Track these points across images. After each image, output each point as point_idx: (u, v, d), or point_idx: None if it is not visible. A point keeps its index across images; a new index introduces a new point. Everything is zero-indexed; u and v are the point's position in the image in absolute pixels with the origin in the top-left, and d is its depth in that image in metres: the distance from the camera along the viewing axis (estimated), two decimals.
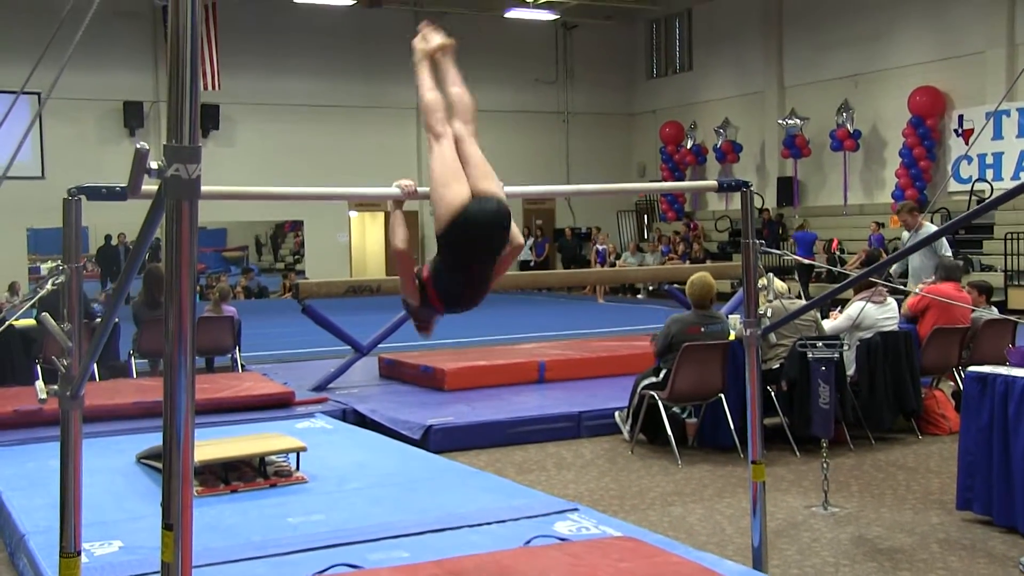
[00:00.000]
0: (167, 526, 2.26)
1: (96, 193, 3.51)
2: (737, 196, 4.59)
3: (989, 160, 19.51)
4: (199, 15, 2.22)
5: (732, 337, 7.68)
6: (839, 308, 8.72)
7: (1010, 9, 19.44)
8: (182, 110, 2.21)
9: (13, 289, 17.94)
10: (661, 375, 7.58)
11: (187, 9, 2.19)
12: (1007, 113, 18.92)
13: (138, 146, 2.28)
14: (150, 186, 2.40)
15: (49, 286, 3.56)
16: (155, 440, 6.37)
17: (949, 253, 10.47)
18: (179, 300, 2.26)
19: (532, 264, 26.78)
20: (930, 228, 11.02)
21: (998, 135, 19.10)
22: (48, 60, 3.10)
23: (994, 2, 19.66)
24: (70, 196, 3.54)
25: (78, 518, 3.65)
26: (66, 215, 3.56)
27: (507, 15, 25.54)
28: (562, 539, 4.74)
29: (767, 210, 22.92)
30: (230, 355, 10.86)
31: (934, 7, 20.83)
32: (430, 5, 25.77)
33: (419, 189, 3.71)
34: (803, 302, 8.04)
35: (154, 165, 2.27)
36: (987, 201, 4.08)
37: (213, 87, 22.10)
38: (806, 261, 16.78)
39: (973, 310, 8.61)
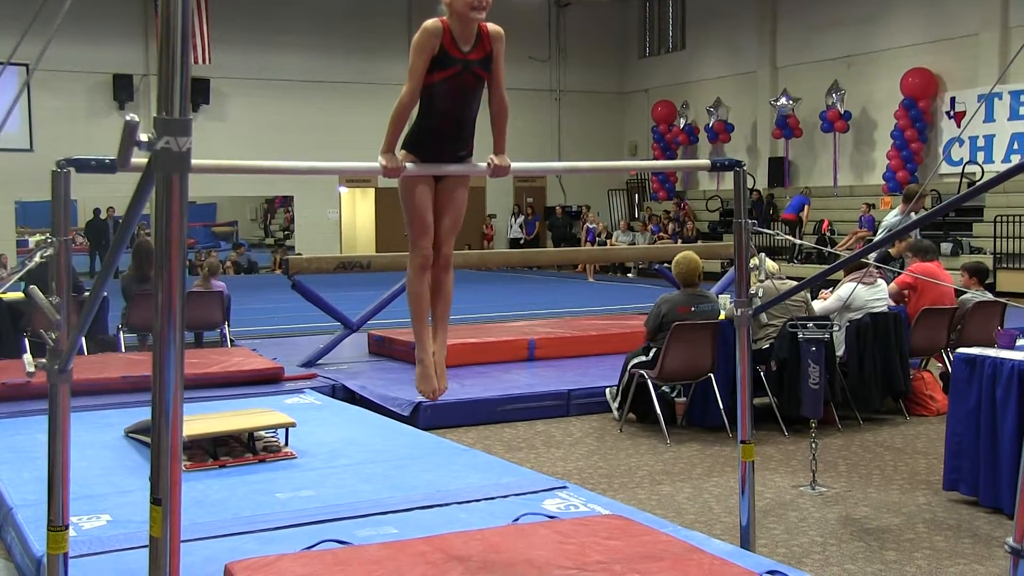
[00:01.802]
0: (155, 501, 2.26)
1: (85, 165, 3.49)
2: (728, 176, 4.59)
3: (980, 143, 19.51)
4: None
5: (722, 317, 7.69)
6: (830, 289, 8.74)
7: None
8: (172, 83, 2.20)
9: (0, 262, 17.85)
10: (651, 354, 7.59)
11: None
12: (999, 96, 18.91)
13: (128, 118, 2.26)
14: (140, 159, 2.38)
15: (37, 259, 3.53)
16: (144, 414, 6.36)
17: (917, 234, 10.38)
18: (169, 275, 2.25)
19: (522, 242, 26.77)
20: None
21: (990, 118, 19.10)
22: (37, 31, 3.07)
23: None
24: (59, 168, 3.51)
25: (66, 492, 3.64)
26: (55, 188, 3.53)
27: None
28: (551, 517, 4.75)
29: (758, 191, 22.93)
30: (219, 330, 10.85)
31: None
32: None
33: (407, 165, 3.74)
34: (794, 283, 8.05)
35: (144, 137, 2.26)
36: (979, 184, 4.08)
37: (204, 61, 21.93)
38: (797, 241, 16.79)
39: (958, 290, 8.64)
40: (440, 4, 3.71)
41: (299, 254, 23.93)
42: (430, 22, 3.67)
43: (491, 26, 3.76)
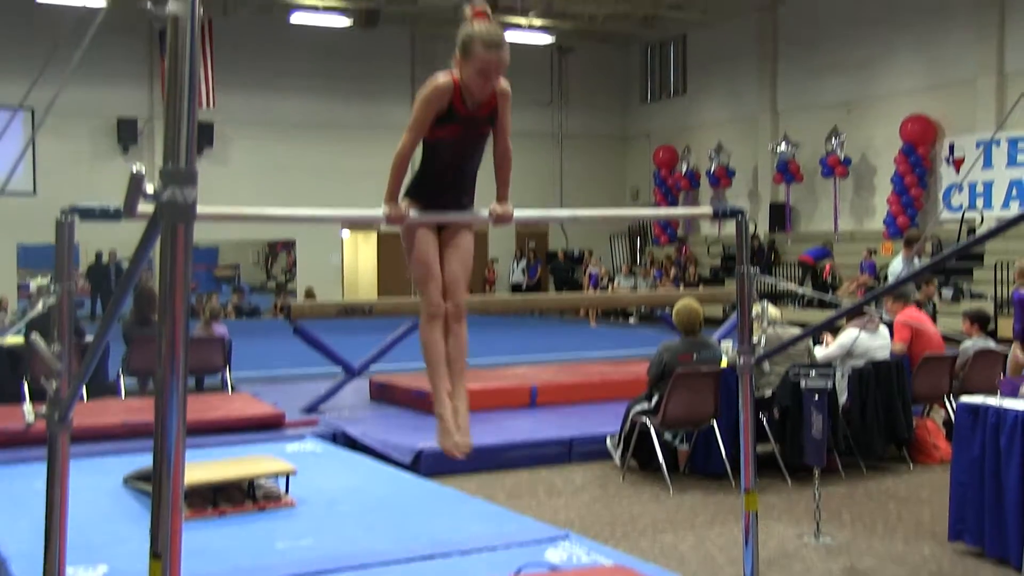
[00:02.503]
0: (155, 555, 2.23)
1: (90, 214, 3.49)
2: (730, 220, 4.59)
3: (980, 189, 19.59)
4: (197, 40, 2.21)
5: (724, 364, 7.66)
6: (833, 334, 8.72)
7: (1000, 39, 19.57)
8: (179, 133, 2.20)
9: (0, 305, 17.84)
10: (653, 401, 7.56)
11: (186, 34, 2.18)
12: (997, 143, 19.01)
13: (134, 170, 2.27)
14: (145, 207, 2.38)
15: (40, 307, 3.52)
16: (143, 461, 6.33)
17: None
18: (173, 323, 2.24)
19: (524, 287, 26.77)
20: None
21: (988, 164, 19.18)
22: (42, 76, 3.08)
23: (984, 32, 19.80)
24: (64, 216, 3.51)
25: (63, 544, 3.60)
26: (59, 236, 3.53)
27: None
28: (553, 568, 4.70)
29: (758, 236, 22.96)
30: (220, 375, 10.81)
31: (926, 36, 20.95)
32: (425, 27, 25.88)
33: (411, 213, 3.74)
34: (797, 331, 8.03)
35: (150, 188, 2.26)
36: (982, 234, 4.08)
37: (208, 105, 22.08)
38: (801, 290, 16.79)
39: (946, 336, 8.63)
40: (451, 59, 3.64)
41: (309, 293, 23.94)
42: (442, 79, 3.61)
43: (499, 82, 3.69)
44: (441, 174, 3.79)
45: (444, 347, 3.82)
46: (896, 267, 11.21)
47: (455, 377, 3.84)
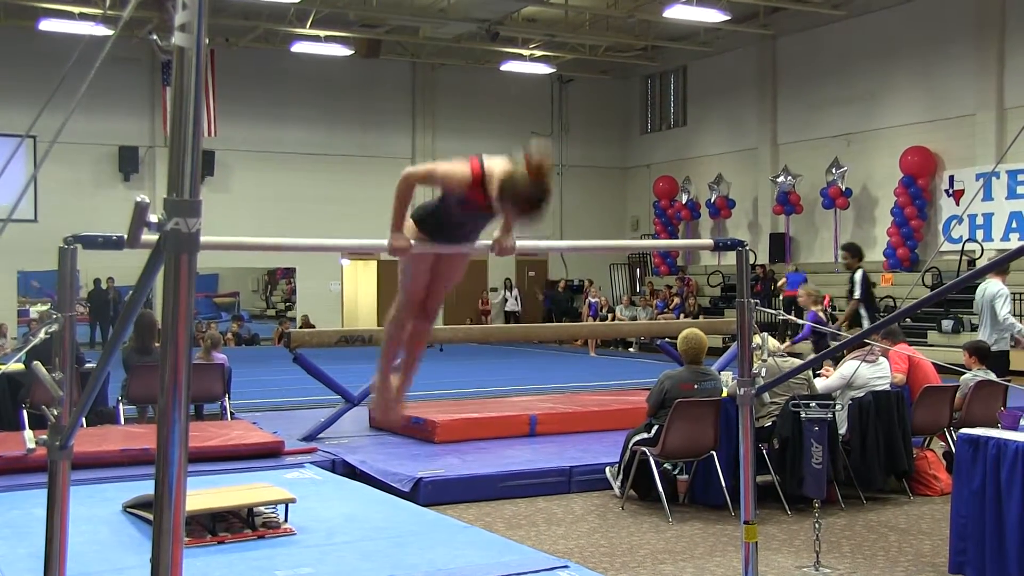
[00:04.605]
0: None
1: (92, 242, 3.50)
2: (730, 251, 4.61)
3: (980, 221, 19.64)
4: (203, 72, 2.23)
5: (724, 394, 7.66)
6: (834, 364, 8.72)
7: (999, 73, 19.69)
8: (184, 164, 2.22)
9: (0, 331, 17.83)
10: (653, 431, 7.55)
11: (191, 66, 2.20)
12: (996, 175, 19.08)
13: (138, 200, 2.28)
14: (147, 236, 2.39)
15: (42, 335, 3.53)
16: (142, 488, 6.32)
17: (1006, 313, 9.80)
18: (175, 352, 2.25)
19: (518, 315, 26.75)
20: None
21: (988, 196, 19.24)
22: (41, 104, 3.11)
23: (984, 66, 19.92)
24: (66, 245, 3.53)
25: (62, 571, 3.59)
26: (61, 264, 3.54)
27: (503, 68, 25.77)
28: None
29: (761, 266, 22.98)
30: (219, 403, 10.79)
31: (926, 70, 21.07)
32: (427, 58, 26.03)
33: (412, 243, 3.75)
34: (798, 361, 8.03)
35: (154, 218, 2.27)
36: (986, 265, 4.10)
37: (210, 134, 22.19)
38: (800, 321, 16.80)
39: (939, 368, 8.63)
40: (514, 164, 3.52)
41: (308, 320, 23.92)
42: (469, 170, 3.55)
43: None
44: (451, 223, 3.80)
45: (403, 342, 4.14)
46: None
47: (414, 364, 4.21)
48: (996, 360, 9.33)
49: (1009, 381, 8.66)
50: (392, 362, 4.15)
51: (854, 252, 11.98)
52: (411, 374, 4.22)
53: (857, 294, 11.46)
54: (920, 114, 21.12)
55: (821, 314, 10.86)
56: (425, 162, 4.02)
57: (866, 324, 10.60)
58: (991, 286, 9.64)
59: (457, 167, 3.58)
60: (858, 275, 11.48)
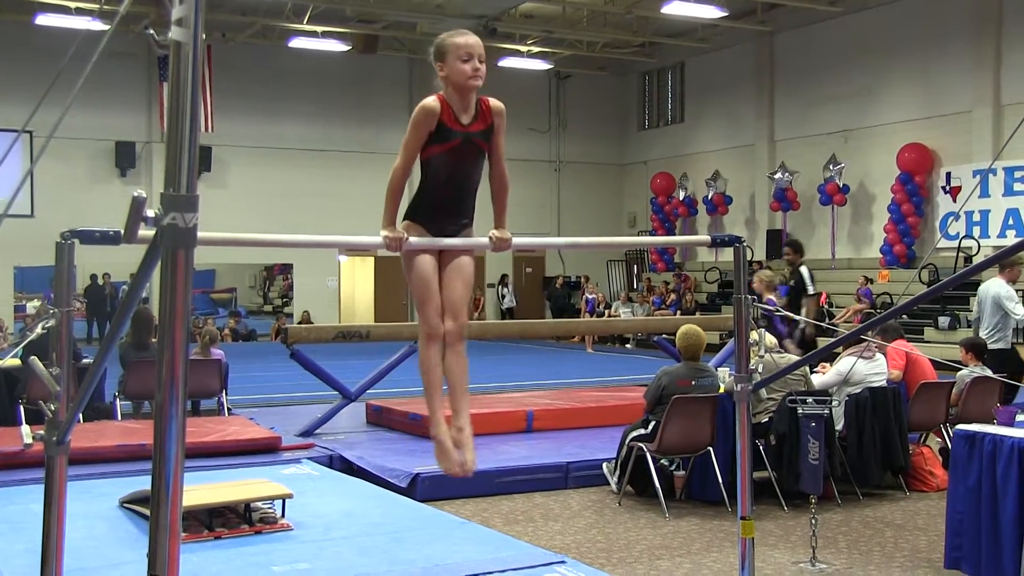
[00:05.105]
0: None
1: (90, 237, 3.50)
2: (727, 248, 4.60)
3: (976, 218, 19.66)
4: (199, 67, 2.23)
5: (722, 390, 7.67)
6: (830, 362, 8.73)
7: (996, 70, 19.71)
8: (180, 159, 2.21)
9: None
10: (650, 427, 7.56)
11: (188, 61, 2.20)
12: (993, 172, 19.10)
13: (135, 194, 2.28)
14: (144, 231, 2.39)
15: (39, 330, 3.53)
16: (139, 484, 6.32)
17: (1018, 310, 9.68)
18: (172, 349, 2.24)
19: (514, 310, 26.74)
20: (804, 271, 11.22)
21: (985, 193, 19.27)
22: (38, 99, 3.10)
23: (981, 63, 19.94)
24: (63, 240, 3.52)
25: (59, 566, 3.59)
26: (58, 259, 3.54)
27: (501, 64, 25.73)
28: None
29: (758, 262, 22.98)
30: (217, 398, 10.79)
31: (923, 67, 21.09)
32: (423, 53, 25.96)
33: (410, 239, 3.75)
34: (794, 357, 8.04)
35: (151, 213, 2.27)
36: (982, 262, 4.11)
37: (207, 129, 22.17)
38: (796, 317, 16.79)
39: (937, 364, 8.63)
40: (436, 79, 3.74)
41: (308, 317, 23.91)
42: (428, 100, 3.70)
43: (492, 100, 3.80)
44: (439, 192, 3.80)
45: (441, 370, 3.81)
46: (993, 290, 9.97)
47: (457, 398, 3.85)
48: (993, 357, 9.34)
49: (1006, 378, 8.68)
50: (438, 399, 3.83)
51: (796, 248, 11.96)
52: (464, 407, 3.87)
53: (811, 289, 11.44)
54: (917, 111, 21.14)
55: (776, 299, 10.68)
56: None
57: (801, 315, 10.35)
58: (994, 285, 9.63)
59: (418, 115, 3.69)
60: (804, 270, 11.45)
